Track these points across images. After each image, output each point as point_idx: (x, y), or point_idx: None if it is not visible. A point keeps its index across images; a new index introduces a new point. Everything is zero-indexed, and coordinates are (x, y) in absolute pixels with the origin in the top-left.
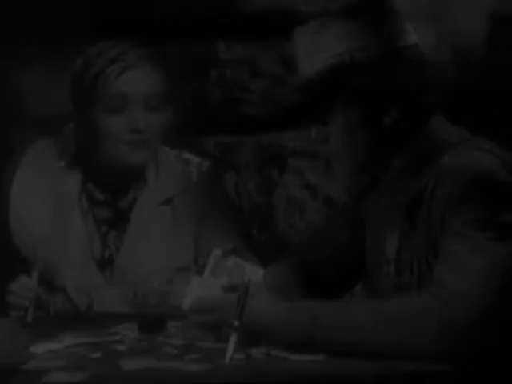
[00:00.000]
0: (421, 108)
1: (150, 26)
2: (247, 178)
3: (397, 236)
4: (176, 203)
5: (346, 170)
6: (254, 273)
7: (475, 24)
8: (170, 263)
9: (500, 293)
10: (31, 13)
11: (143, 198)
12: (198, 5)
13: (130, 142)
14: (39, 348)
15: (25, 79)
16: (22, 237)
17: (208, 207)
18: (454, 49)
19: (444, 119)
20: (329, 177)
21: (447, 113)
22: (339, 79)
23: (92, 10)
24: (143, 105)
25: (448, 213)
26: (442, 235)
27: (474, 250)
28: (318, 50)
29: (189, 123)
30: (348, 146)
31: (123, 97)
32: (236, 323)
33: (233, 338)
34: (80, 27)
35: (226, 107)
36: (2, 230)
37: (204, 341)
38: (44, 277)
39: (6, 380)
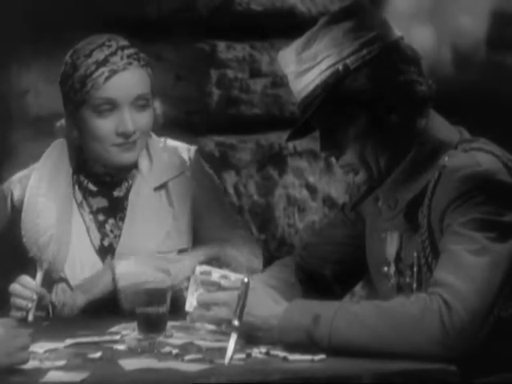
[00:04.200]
0: (419, 104)
1: (151, 25)
2: (247, 178)
3: (397, 236)
4: (171, 188)
5: (361, 181)
6: (239, 281)
7: (475, 24)
8: (169, 246)
9: (500, 293)
10: (31, 13)
11: (138, 185)
12: (198, 4)
13: (118, 144)
14: (39, 348)
15: (25, 79)
16: (34, 237)
17: (203, 189)
18: (454, 49)
19: (443, 119)
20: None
21: (447, 113)
22: (337, 90)
23: (92, 10)
24: (132, 106)
25: (448, 213)
26: (442, 235)
27: (473, 251)
28: (308, 67)
29: (189, 123)
30: (360, 155)
31: (111, 101)
32: (236, 323)
33: (233, 338)
34: (80, 27)
35: (226, 107)
36: (2, 229)
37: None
38: (47, 276)
39: (6, 380)
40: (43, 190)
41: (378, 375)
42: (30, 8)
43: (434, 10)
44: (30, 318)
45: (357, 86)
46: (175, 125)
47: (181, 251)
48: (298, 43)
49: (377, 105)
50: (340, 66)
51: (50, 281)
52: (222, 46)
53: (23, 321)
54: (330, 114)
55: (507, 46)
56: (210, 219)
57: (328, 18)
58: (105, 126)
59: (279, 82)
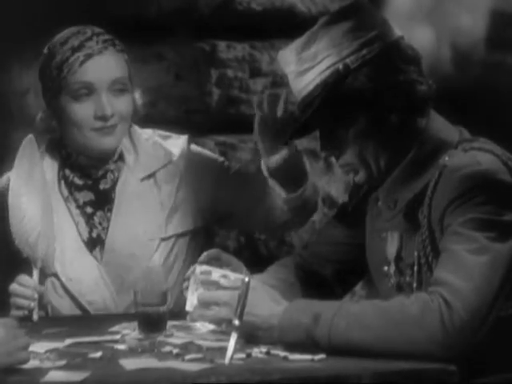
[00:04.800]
0: (419, 103)
1: (151, 24)
2: None
3: (397, 236)
4: (158, 178)
5: (361, 181)
6: (239, 281)
7: (475, 23)
8: (158, 234)
9: (500, 292)
10: (31, 13)
11: (124, 176)
12: (198, 4)
13: (97, 128)
14: (39, 348)
15: (25, 79)
16: (23, 237)
17: (208, 169)
18: (454, 48)
19: (443, 119)
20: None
21: (447, 112)
22: (336, 90)
23: (92, 10)
24: (109, 91)
25: (448, 213)
26: (442, 235)
27: (473, 250)
28: (308, 67)
29: (189, 122)
30: (359, 155)
31: (88, 85)
32: (236, 322)
33: (233, 338)
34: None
35: (226, 107)
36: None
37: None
38: (42, 273)
39: (7, 380)
40: (23, 190)
41: (377, 375)
42: (30, 8)
43: (434, 10)
44: (35, 317)
45: (357, 86)
46: (175, 124)
47: (182, 234)
48: (297, 43)
49: (377, 104)
50: (340, 66)
51: (44, 278)
52: (222, 45)
53: (25, 320)
54: (330, 113)
55: (507, 45)
56: (230, 188)
57: (328, 18)
58: (82, 110)
59: (279, 81)
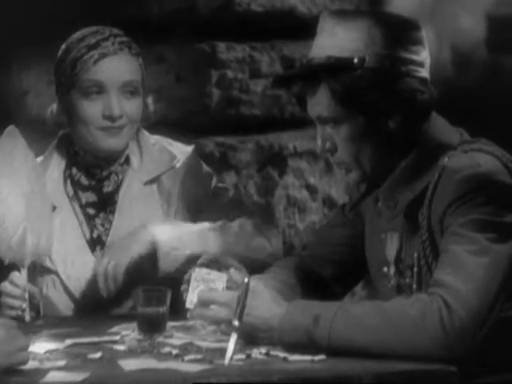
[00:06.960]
0: (420, 112)
1: (151, 26)
2: (247, 179)
3: (397, 237)
4: (161, 181)
5: (353, 180)
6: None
7: (475, 24)
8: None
9: (500, 293)
10: (31, 13)
11: (129, 180)
12: (198, 5)
13: (104, 127)
14: (39, 348)
15: (25, 79)
16: (4, 243)
17: (194, 186)
18: (454, 49)
19: (444, 120)
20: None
21: (447, 113)
22: (339, 75)
23: (93, 10)
24: (119, 92)
25: (448, 214)
26: (442, 236)
27: (473, 251)
28: (337, 36)
29: (189, 123)
30: (354, 155)
31: (99, 83)
32: (236, 323)
33: (233, 338)
34: (81, 27)
35: (226, 107)
36: None
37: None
38: (31, 271)
39: (6, 380)
40: (3, 195)
41: (377, 376)
42: (30, 8)
43: (434, 10)
44: (27, 318)
45: (358, 84)
46: (175, 125)
47: None
48: (341, 13)
49: (376, 109)
50: (356, 58)
51: (36, 273)
52: (222, 46)
53: (17, 320)
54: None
55: (506, 46)
56: (210, 215)
57: (382, 14)
58: (91, 108)
59: None
